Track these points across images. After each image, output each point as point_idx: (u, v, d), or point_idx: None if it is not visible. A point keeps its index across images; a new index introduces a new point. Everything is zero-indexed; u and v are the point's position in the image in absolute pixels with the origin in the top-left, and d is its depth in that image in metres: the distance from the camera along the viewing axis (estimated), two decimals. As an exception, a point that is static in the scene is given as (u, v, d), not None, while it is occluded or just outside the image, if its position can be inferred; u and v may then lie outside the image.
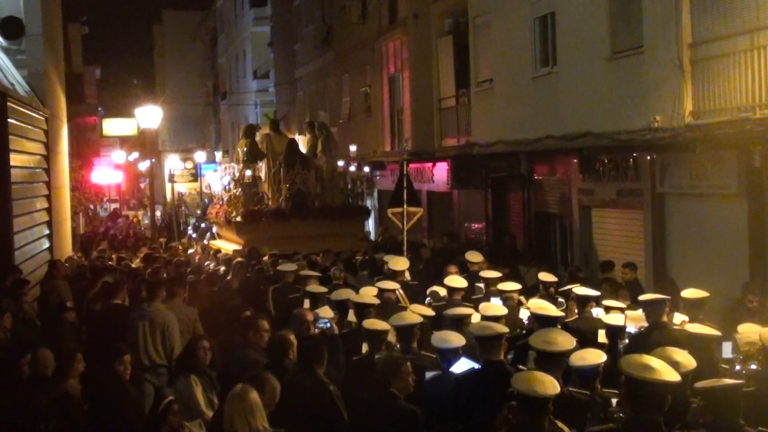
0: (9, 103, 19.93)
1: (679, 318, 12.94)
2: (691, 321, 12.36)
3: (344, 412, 9.74)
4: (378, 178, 39.62)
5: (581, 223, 24.16)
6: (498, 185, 29.28)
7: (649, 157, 20.49)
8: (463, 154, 29.20)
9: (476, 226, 31.82)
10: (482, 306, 12.77)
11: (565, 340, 9.43)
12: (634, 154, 20.99)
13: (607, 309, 13.05)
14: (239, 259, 22.40)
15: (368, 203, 40.33)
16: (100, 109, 64.19)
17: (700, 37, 17.65)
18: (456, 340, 10.58)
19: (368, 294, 13.85)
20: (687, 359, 8.55)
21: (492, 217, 29.85)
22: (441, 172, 32.86)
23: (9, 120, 19.96)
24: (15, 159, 20.58)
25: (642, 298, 12.67)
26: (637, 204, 21.34)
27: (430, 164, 33.89)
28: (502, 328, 10.29)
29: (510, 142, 25.42)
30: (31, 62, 25.00)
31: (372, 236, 35.74)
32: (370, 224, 40.22)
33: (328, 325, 11.74)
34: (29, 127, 22.89)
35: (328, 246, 23.81)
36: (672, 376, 7.43)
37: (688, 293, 13.32)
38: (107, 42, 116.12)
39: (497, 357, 9.89)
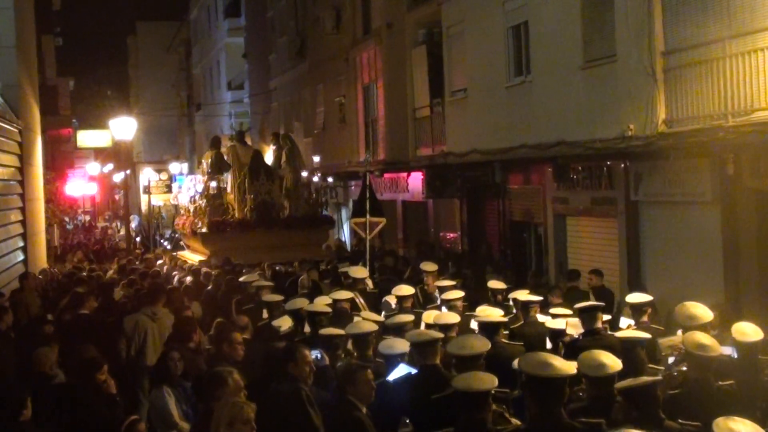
0: (-18, 116, 19.90)
1: (625, 322, 13.49)
2: (636, 325, 12.79)
3: (316, 417, 9.74)
4: (352, 188, 39.62)
5: (556, 231, 24.23)
6: (473, 194, 29.32)
7: (623, 166, 20.59)
8: (438, 164, 29.23)
9: (451, 235, 31.85)
10: (436, 315, 13.07)
11: (480, 344, 9.83)
12: (608, 163, 21.09)
13: (554, 316, 13.47)
14: (205, 269, 22.65)
15: (343, 213, 40.48)
16: (74, 120, 63.84)
17: (673, 46, 17.72)
18: (401, 346, 10.86)
19: (321, 303, 14.02)
20: (613, 361, 8.74)
21: (467, 226, 29.88)
22: (416, 181, 32.89)
23: (-18, 132, 19.92)
24: (-12, 171, 20.56)
25: (577, 306, 12.86)
26: (612, 212, 21.42)
27: (404, 174, 33.90)
28: (437, 334, 10.69)
29: (484, 152, 25.46)
30: (4, 74, 24.96)
31: (348, 246, 35.83)
32: (345, 234, 40.29)
33: (319, 356, 11.80)
34: (3, 139, 22.82)
35: (293, 255, 24.04)
36: (568, 369, 7.72)
37: (632, 298, 13.75)
38: (81, 54, 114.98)
39: (432, 361, 10.17)
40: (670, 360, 11.23)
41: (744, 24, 15.79)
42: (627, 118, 18.63)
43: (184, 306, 15.73)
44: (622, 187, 20.76)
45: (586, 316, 12.29)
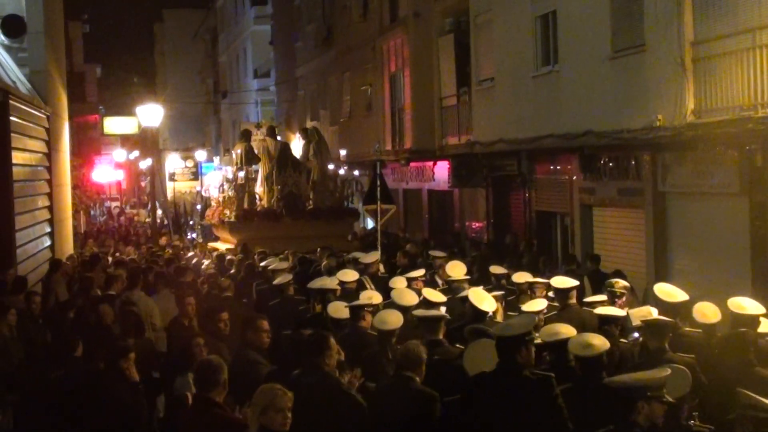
0: (11, 101, 19.93)
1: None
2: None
3: (361, 401, 9.69)
4: (377, 177, 39.65)
5: (582, 221, 24.17)
6: (499, 184, 29.30)
7: (650, 156, 20.50)
8: (464, 153, 29.23)
9: (476, 224, 31.85)
10: (425, 291, 13.83)
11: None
12: (636, 153, 21.00)
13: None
14: (230, 256, 23.00)
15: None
16: (101, 107, 64.17)
17: (702, 36, 17.63)
18: (395, 321, 11.34)
19: (330, 282, 14.94)
20: (568, 330, 10.05)
21: (492, 216, 29.87)
22: (442, 170, 32.89)
23: (11, 118, 19.96)
24: (17, 157, 20.59)
25: (556, 285, 13.84)
26: (639, 203, 21.34)
27: (431, 163, 33.92)
28: (442, 313, 11.78)
29: (511, 141, 25.43)
30: (32, 60, 25.02)
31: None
32: (369, 223, 40.37)
33: None
34: (31, 125, 22.90)
35: (318, 245, 24.23)
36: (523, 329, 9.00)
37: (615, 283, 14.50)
38: (108, 40, 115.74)
39: (437, 336, 11.03)
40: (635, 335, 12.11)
41: (774, 14, 15.72)
42: (655, 109, 18.58)
43: (185, 291, 15.66)
44: (649, 177, 20.67)
45: (562, 294, 13.63)
